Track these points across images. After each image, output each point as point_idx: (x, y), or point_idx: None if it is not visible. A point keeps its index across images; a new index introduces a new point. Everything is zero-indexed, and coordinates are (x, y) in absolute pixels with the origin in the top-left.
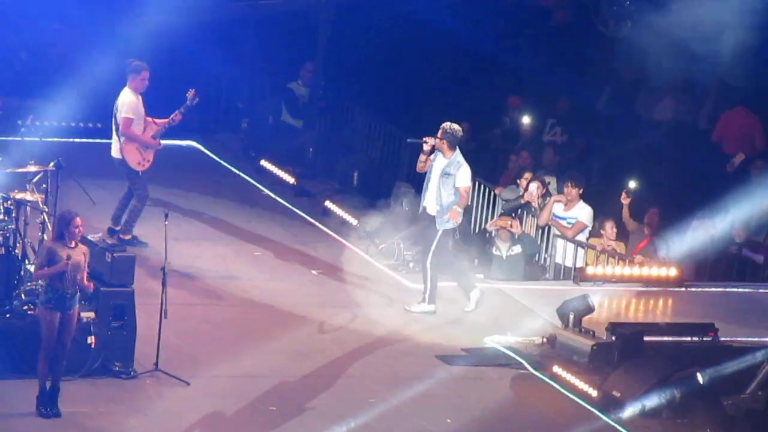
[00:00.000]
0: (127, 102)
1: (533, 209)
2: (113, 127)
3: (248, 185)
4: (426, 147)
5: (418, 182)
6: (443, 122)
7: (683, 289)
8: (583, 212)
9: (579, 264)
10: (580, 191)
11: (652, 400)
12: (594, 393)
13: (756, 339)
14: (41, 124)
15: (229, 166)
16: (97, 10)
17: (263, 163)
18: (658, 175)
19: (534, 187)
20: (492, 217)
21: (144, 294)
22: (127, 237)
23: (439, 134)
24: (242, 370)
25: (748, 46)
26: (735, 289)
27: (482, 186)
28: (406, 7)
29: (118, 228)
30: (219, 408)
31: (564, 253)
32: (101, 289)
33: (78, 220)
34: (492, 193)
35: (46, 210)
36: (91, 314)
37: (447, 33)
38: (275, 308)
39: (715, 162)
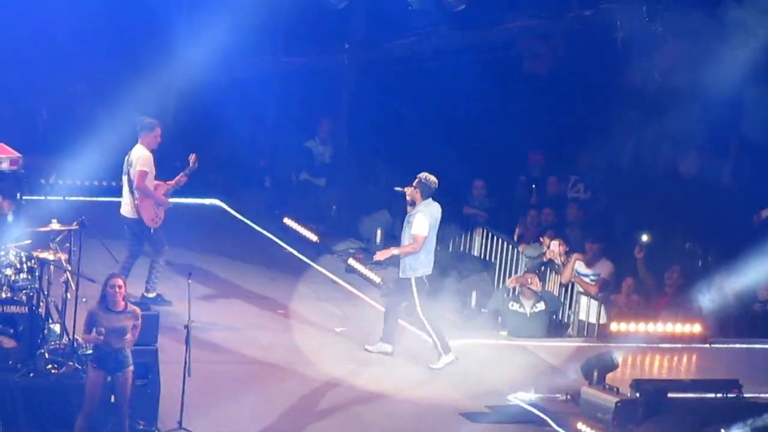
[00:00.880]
0: (143, 156)
1: (556, 266)
2: (125, 185)
3: (271, 243)
4: (408, 197)
5: (442, 239)
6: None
7: (707, 345)
8: (605, 268)
9: (602, 320)
10: (602, 247)
11: None
12: None
13: None
14: (64, 183)
15: (252, 224)
16: (120, 69)
17: (286, 220)
18: (682, 231)
19: (556, 244)
20: (513, 274)
21: (168, 352)
22: (152, 295)
23: (414, 183)
24: (267, 429)
25: None
26: (759, 346)
27: (504, 242)
28: (426, 63)
29: (151, 295)
30: None
31: (588, 310)
32: None
33: (117, 280)
34: (514, 249)
35: (70, 269)
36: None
37: (468, 88)
38: (299, 366)
39: (739, 217)
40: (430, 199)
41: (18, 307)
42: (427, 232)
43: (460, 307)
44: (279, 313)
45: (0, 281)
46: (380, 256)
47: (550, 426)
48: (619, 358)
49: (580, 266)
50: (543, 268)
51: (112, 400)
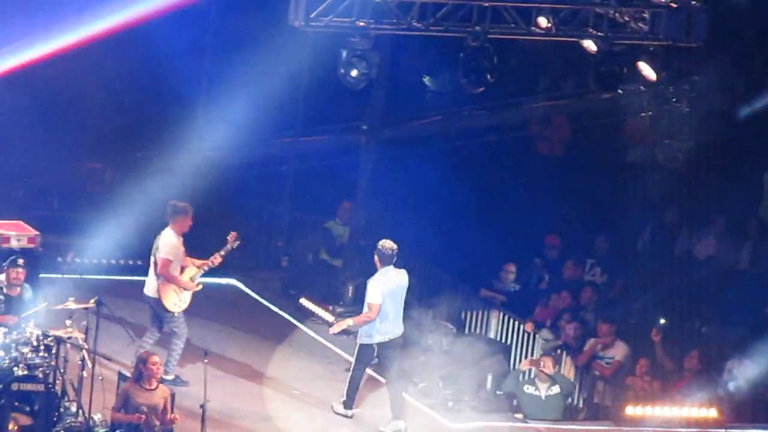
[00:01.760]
0: (169, 243)
1: (571, 349)
2: (151, 266)
3: (288, 323)
4: None
5: (459, 322)
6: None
7: (724, 430)
8: (620, 351)
9: (617, 404)
10: (616, 330)
11: None
12: None
13: None
14: (81, 261)
15: (268, 305)
16: (136, 147)
17: (303, 301)
18: (699, 315)
19: (572, 328)
20: (529, 357)
21: None
22: (170, 377)
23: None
24: None
25: None
26: None
27: (520, 325)
28: (442, 144)
29: (170, 377)
30: None
31: (603, 393)
32: None
33: (154, 358)
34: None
35: (86, 347)
36: None
37: (484, 171)
38: None
39: (757, 301)
40: (391, 267)
41: (34, 384)
42: (379, 300)
43: (476, 389)
44: (294, 393)
45: (17, 359)
46: (335, 328)
47: None
48: None
49: (596, 349)
50: (558, 350)
51: None
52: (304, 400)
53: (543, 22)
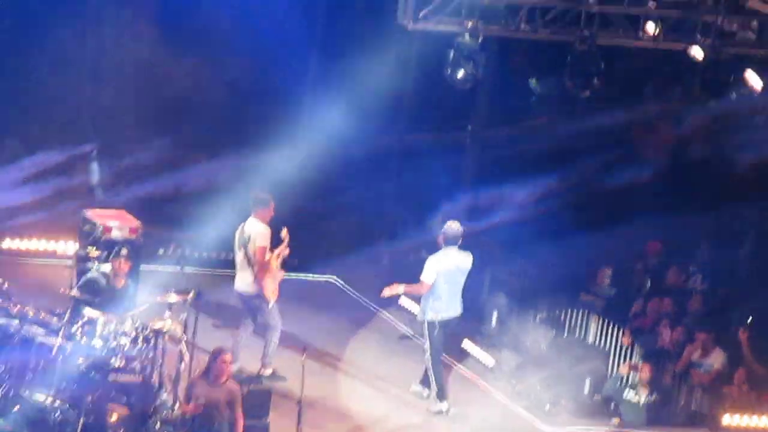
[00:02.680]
0: (262, 233)
1: (670, 355)
2: (242, 259)
3: (386, 322)
4: None
5: (559, 324)
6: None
7: None
8: (718, 359)
9: (715, 412)
10: (715, 338)
11: None
12: None
13: None
14: (183, 254)
15: (368, 302)
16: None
17: (402, 300)
18: None
19: (671, 334)
20: (626, 362)
21: (279, 429)
22: (268, 372)
23: None
24: None
25: None
26: None
27: (619, 330)
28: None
29: (268, 372)
30: None
31: (700, 401)
32: None
33: (225, 356)
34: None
35: (185, 339)
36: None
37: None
38: None
39: None
40: (454, 247)
41: (132, 376)
42: (431, 278)
43: (575, 393)
44: (393, 393)
45: (115, 350)
46: (387, 291)
47: None
48: None
49: (695, 356)
50: (657, 357)
51: None
52: (401, 398)
53: (651, 28)
